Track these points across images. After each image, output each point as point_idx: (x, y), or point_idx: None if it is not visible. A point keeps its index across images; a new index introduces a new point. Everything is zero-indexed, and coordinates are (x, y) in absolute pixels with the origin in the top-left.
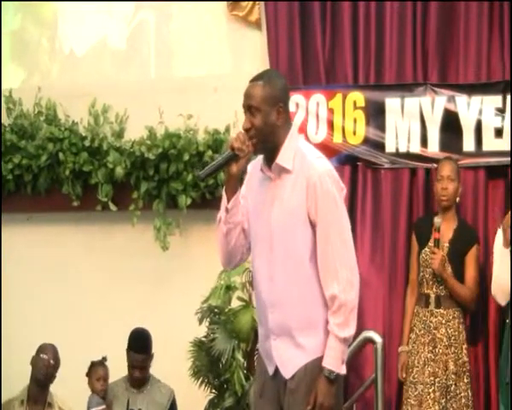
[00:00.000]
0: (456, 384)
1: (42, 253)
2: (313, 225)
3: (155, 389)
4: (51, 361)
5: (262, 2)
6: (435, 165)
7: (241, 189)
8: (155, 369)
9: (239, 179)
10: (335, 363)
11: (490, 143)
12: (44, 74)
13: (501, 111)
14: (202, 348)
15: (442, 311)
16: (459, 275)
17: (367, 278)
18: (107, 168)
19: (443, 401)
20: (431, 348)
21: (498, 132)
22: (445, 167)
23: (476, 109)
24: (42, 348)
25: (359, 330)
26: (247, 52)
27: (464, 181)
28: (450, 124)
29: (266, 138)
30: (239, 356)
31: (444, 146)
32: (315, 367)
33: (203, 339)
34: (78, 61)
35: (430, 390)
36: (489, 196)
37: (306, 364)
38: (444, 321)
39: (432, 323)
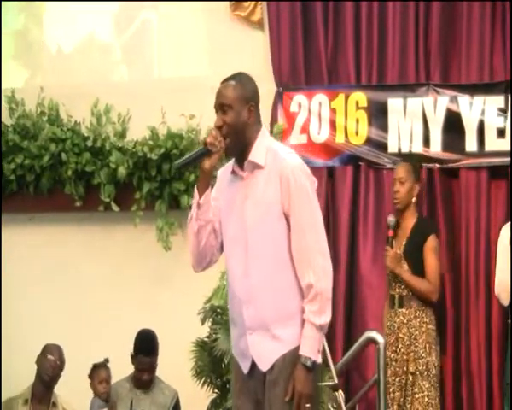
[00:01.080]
0: (414, 384)
1: (44, 253)
2: (287, 218)
3: (158, 391)
4: (57, 362)
5: (264, 3)
6: (438, 165)
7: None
8: (158, 369)
9: (211, 176)
10: (312, 351)
11: (492, 144)
12: (47, 74)
13: (503, 111)
14: (205, 349)
15: (404, 310)
16: (420, 271)
17: (369, 278)
18: (109, 168)
19: (401, 400)
20: (394, 348)
21: (501, 133)
22: (397, 170)
23: (478, 109)
24: (48, 349)
25: (362, 330)
26: (249, 52)
27: (467, 181)
28: (453, 124)
29: (237, 136)
30: None
31: (446, 146)
32: (294, 357)
33: (205, 339)
34: (80, 61)
35: (390, 390)
36: (491, 196)
37: (285, 354)
38: (405, 320)
39: (395, 323)
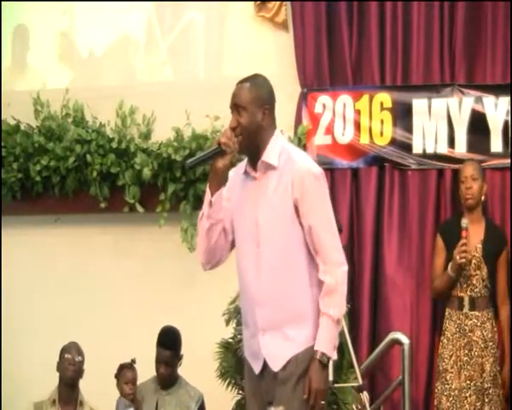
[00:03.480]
0: (493, 387)
1: (69, 254)
2: (299, 218)
3: (184, 392)
4: (76, 359)
5: (288, 3)
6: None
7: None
8: (182, 370)
9: (223, 176)
10: (328, 347)
11: None
12: (81, 76)
13: None
14: (229, 350)
15: (477, 313)
16: (493, 276)
17: (394, 280)
18: (134, 170)
19: (478, 404)
20: (466, 351)
21: None
22: (468, 168)
23: (504, 110)
24: (64, 349)
25: (387, 331)
26: (273, 53)
27: (492, 182)
28: (478, 125)
29: (251, 137)
30: None
31: (471, 147)
32: (306, 358)
33: (230, 340)
34: (105, 62)
35: (467, 395)
36: None
37: (297, 354)
38: (479, 323)
39: (467, 326)
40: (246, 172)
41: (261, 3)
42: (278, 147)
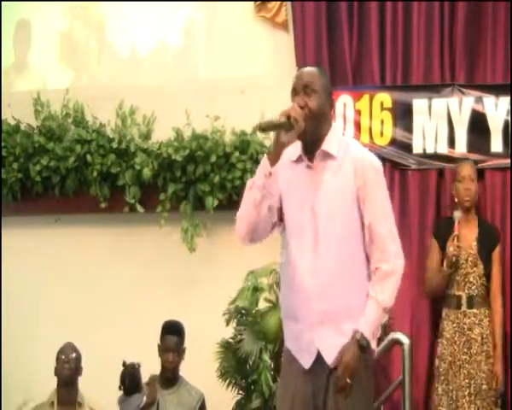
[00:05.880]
0: (488, 383)
1: (69, 254)
2: (360, 209)
3: (185, 392)
4: (70, 356)
5: (289, 3)
6: None
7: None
8: (183, 370)
9: (283, 151)
10: (370, 330)
11: None
12: (83, 76)
13: None
14: (229, 350)
15: (475, 311)
16: (488, 273)
17: None
18: (134, 170)
19: (478, 401)
20: (465, 349)
21: None
22: (466, 168)
23: (504, 110)
24: (59, 351)
25: (387, 331)
26: (273, 53)
27: (492, 182)
28: (478, 125)
29: (315, 123)
30: (266, 357)
31: (471, 147)
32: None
33: (230, 340)
34: (106, 63)
35: (465, 393)
36: None
37: None
38: (477, 321)
39: (465, 324)
40: (298, 160)
41: (261, 3)
42: (337, 137)
